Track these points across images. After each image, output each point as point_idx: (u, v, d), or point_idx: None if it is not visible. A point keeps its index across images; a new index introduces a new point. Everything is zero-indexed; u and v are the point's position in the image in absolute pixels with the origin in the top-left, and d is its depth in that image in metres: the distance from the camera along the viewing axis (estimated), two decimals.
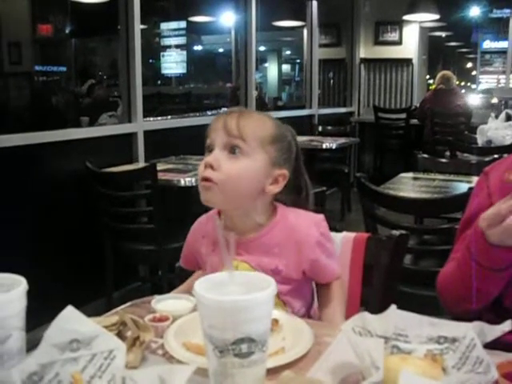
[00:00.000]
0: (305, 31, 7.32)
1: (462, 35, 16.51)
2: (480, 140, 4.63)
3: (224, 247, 0.95)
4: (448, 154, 4.43)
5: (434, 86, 7.60)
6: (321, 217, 1.41)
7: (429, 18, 7.84)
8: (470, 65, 22.16)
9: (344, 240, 1.60)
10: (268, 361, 0.97)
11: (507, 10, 9.23)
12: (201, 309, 0.88)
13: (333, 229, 1.53)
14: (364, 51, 8.19)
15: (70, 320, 0.90)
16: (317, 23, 6.97)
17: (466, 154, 4.24)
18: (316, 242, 1.36)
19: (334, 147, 5.06)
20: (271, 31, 11.65)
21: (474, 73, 16.49)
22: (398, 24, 7.99)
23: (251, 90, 5.43)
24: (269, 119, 1.37)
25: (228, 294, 0.90)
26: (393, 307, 0.97)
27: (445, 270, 1.34)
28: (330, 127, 6.42)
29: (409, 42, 8.08)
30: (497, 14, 10.32)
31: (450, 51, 19.22)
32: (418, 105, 7.53)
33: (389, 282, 1.51)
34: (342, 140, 5.38)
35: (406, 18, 7.71)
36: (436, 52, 14.00)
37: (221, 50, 14.83)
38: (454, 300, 1.31)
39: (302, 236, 1.35)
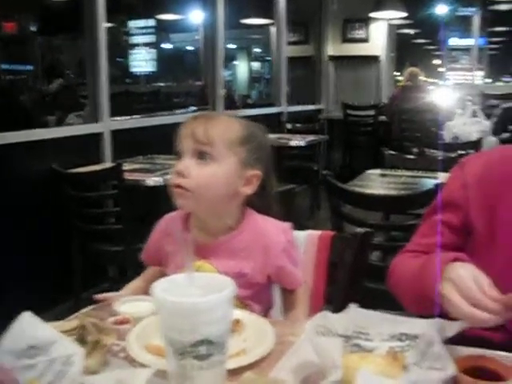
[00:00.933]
0: (273, 29, 7.32)
1: (430, 32, 16.70)
2: (447, 136, 4.69)
3: (184, 249, 0.95)
4: (415, 150, 4.46)
5: (402, 83, 7.67)
6: (288, 225, 1.43)
7: (396, 15, 7.89)
8: (437, 61, 22.43)
9: (309, 238, 1.60)
10: (229, 362, 0.97)
11: (473, 9, 9.36)
12: (159, 311, 0.88)
13: (301, 226, 1.54)
14: (332, 48, 8.21)
15: (27, 326, 0.88)
16: (285, 21, 6.96)
17: (433, 151, 4.28)
18: (283, 248, 1.37)
19: (302, 145, 5.07)
20: (240, 29, 11.64)
21: (441, 69, 16.70)
22: (366, 21, 8.03)
23: (219, 88, 5.40)
24: (236, 121, 1.38)
25: (187, 295, 0.90)
26: (353, 306, 0.98)
27: (406, 266, 1.30)
28: (298, 125, 6.43)
29: (376, 39, 8.12)
30: (463, 12, 10.45)
31: (417, 48, 19.44)
32: (386, 101, 7.59)
33: (353, 279, 1.51)
34: (310, 137, 5.40)
35: (373, 15, 7.75)
36: (404, 49, 14.13)
37: (190, 48, 14.78)
38: (413, 302, 1.26)
39: (270, 241, 1.36)
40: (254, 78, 15.87)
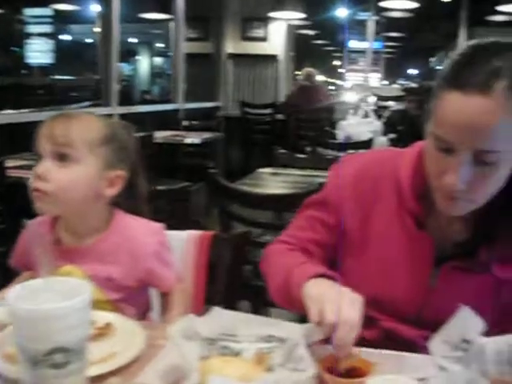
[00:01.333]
0: (172, 24, 7.24)
1: (329, 34, 17.12)
2: (340, 135, 4.80)
3: (41, 253, 0.91)
4: (309, 149, 4.53)
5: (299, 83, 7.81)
6: (159, 226, 1.40)
7: (295, 16, 8.02)
8: (338, 63, 23.05)
9: (189, 239, 1.59)
10: (96, 368, 0.94)
11: (368, 13, 9.68)
12: (12, 318, 0.84)
13: (198, 224, 1.53)
14: (231, 46, 8.24)
15: None
16: (183, 17, 6.90)
17: (326, 149, 4.36)
18: (153, 251, 1.35)
19: (197, 142, 5.04)
20: (142, 23, 11.46)
21: (341, 70, 17.17)
22: (265, 21, 8.11)
23: (114, 83, 5.26)
24: (98, 120, 1.34)
25: (43, 301, 0.86)
26: (217, 308, 0.97)
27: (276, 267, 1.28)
28: (195, 122, 6.39)
29: (275, 38, 8.23)
30: (361, 16, 10.77)
31: (317, 49, 19.89)
32: (283, 100, 7.70)
33: (233, 279, 1.51)
34: (206, 135, 5.38)
35: (272, 15, 7.84)
36: (304, 49, 14.40)
37: (89, 41, 14.38)
38: (281, 299, 1.25)
39: (138, 245, 1.34)
40: (155, 74, 15.65)
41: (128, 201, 1.38)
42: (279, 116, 7.28)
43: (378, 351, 1.11)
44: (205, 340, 0.96)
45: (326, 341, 0.98)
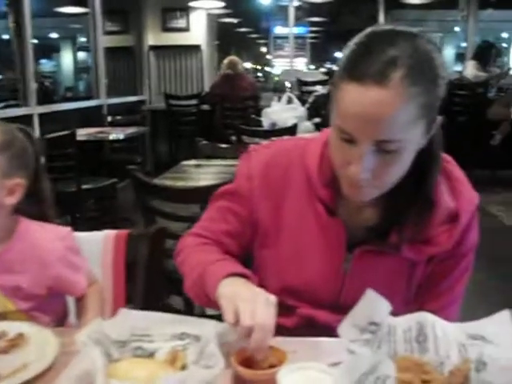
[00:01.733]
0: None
1: (253, 21, 17.13)
2: (265, 123, 4.79)
3: None
4: (234, 138, 4.52)
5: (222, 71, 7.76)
6: (66, 230, 1.37)
7: (215, 5, 7.99)
8: (264, 49, 23.11)
9: (105, 238, 1.57)
10: (8, 380, 0.93)
11: None
12: None
13: (127, 221, 1.50)
14: (152, 38, 8.13)
15: None
16: (100, 9, 6.73)
17: (253, 138, 4.34)
18: (60, 256, 1.32)
19: (121, 137, 4.96)
20: (60, 17, 11.13)
21: (269, 57, 17.23)
22: (186, 10, 8.04)
23: (31, 82, 5.07)
24: None
25: None
26: (125, 310, 0.96)
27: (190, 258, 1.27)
28: (119, 117, 6.28)
29: (197, 28, 8.16)
30: (284, 2, 10.80)
31: (242, 37, 19.86)
32: (208, 90, 7.66)
33: (151, 276, 1.50)
34: (130, 130, 5.29)
35: (192, 4, 7.77)
36: (228, 38, 14.37)
37: (6, 37, 13.88)
38: (196, 295, 1.23)
39: (44, 251, 1.30)
40: (80, 69, 15.24)
41: (32, 207, 1.34)
42: (205, 106, 7.23)
43: (295, 339, 1.13)
44: (115, 343, 0.95)
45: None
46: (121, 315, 0.96)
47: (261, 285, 1.25)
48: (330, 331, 1.14)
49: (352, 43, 1.03)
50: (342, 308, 1.18)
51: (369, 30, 1.03)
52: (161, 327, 1.01)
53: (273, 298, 1.02)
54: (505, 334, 0.96)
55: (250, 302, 0.98)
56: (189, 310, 2.38)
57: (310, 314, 1.23)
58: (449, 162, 1.21)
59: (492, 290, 3.86)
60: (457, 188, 1.18)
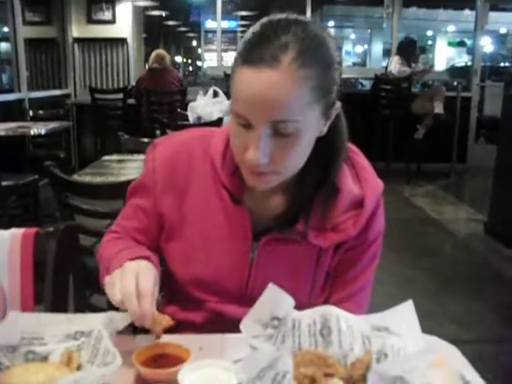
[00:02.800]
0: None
1: (182, 15, 17.02)
2: (191, 117, 4.76)
3: None
4: (159, 132, 4.47)
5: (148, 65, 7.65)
6: None
7: None
8: (195, 43, 23.00)
9: (13, 237, 1.49)
10: None
11: None
12: None
13: (52, 218, 1.43)
14: (77, 30, 7.91)
15: None
16: None
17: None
18: None
19: (42, 133, 4.80)
20: None
21: (199, 51, 17.16)
22: (111, 2, 7.87)
23: None
24: None
25: None
26: (13, 313, 0.91)
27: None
28: (41, 111, 6.07)
29: (123, 21, 8.01)
30: None
31: (172, 30, 19.68)
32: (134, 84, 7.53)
33: (60, 275, 1.44)
34: (52, 124, 5.12)
35: None
36: (156, 31, 14.23)
37: None
38: None
39: None
40: (4, 61, 14.69)
41: None
42: (131, 101, 7.10)
43: (201, 336, 1.11)
44: (5, 348, 0.90)
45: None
46: (9, 319, 0.91)
47: (169, 278, 1.24)
48: (238, 325, 1.12)
49: (249, 31, 1.04)
50: (249, 300, 1.18)
51: (265, 18, 1.04)
52: (53, 328, 0.96)
53: (152, 267, 1.07)
54: (407, 325, 0.97)
55: (127, 274, 1.01)
56: (113, 308, 2.32)
57: (217, 308, 1.22)
58: (354, 151, 1.23)
59: (416, 281, 3.96)
60: (361, 175, 1.19)
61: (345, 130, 1.16)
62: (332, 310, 1.00)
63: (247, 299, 1.18)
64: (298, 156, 1.06)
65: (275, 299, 0.96)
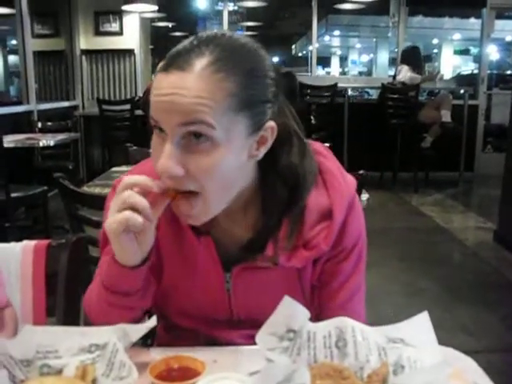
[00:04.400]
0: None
1: (187, 26, 17.10)
2: None
3: None
4: None
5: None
6: None
7: (148, 8, 7.90)
8: None
9: (24, 249, 1.49)
10: None
11: (222, 3, 9.72)
12: None
13: (61, 229, 1.43)
14: (85, 42, 7.97)
15: None
16: (28, 11, 6.50)
17: None
18: None
19: (51, 144, 4.83)
20: None
21: None
22: (119, 14, 7.92)
23: None
24: None
25: None
26: (28, 326, 0.91)
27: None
28: (50, 123, 6.09)
29: (130, 32, 8.06)
30: (220, 6, 10.85)
31: (178, 41, 19.74)
32: (142, 95, 7.55)
33: (71, 288, 1.44)
34: (61, 136, 5.15)
35: (125, 8, 7.66)
36: (163, 42, 14.27)
37: None
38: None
39: None
40: (13, 73, 14.80)
41: None
42: (139, 112, 7.11)
43: (215, 348, 1.10)
44: (20, 362, 0.89)
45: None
46: (24, 332, 0.91)
47: (162, 313, 1.24)
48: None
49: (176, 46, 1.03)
50: (240, 323, 1.17)
51: (198, 34, 1.03)
52: (67, 341, 0.96)
53: None
54: (423, 336, 0.96)
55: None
56: None
57: (211, 334, 1.21)
58: (322, 153, 1.17)
59: (426, 290, 3.94)
60: (329, 182, 1.13)
61: (310, 153, 1.12)
62: (347, 322, 0.99)
63: (237, 323, 1.19)
64: (220, 174, 0.99)
65: (290, 311, 0.95)
